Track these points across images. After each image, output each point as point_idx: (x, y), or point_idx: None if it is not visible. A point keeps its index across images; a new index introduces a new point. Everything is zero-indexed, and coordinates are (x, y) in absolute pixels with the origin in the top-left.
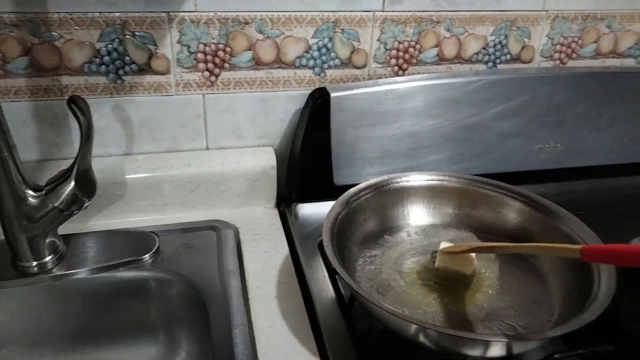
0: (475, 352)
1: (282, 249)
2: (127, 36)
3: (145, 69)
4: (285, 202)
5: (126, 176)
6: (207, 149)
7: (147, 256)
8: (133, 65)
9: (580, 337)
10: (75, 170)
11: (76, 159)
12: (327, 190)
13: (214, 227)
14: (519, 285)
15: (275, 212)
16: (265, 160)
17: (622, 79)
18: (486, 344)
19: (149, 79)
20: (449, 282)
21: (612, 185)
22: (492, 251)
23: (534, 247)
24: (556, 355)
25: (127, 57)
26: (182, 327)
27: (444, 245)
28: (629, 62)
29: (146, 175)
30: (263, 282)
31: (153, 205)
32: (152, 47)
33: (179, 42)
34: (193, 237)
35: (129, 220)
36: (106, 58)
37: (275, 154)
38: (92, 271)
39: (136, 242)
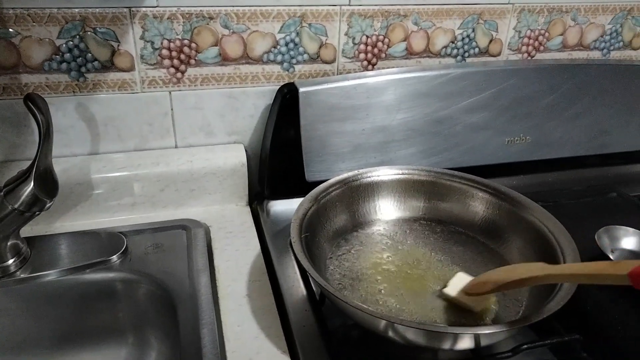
0: (445, 345)
1: (254, 246)
2: (88, 32)
3: (108, 66)
4: (258, 199)
5: (92, 176)
6: (176, 147)
7: (115, 257)
8: (95, 63)
9: (550, 328)
10: (34, 170)
11: (35, 158)
12: (299, 186)
13: (184, 226)
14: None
15: (248, 209)
16: (236, 157)
17: (588, 72)
18: (454, 337)
19: (112, 76)
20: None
21: (580, 177)
22: (525, 284)
23: (573, 276)
24: (524, 346)
25: (89, 54)
26: (151, 328)
27: (461, 279)
28: (595, 55)
29: (113, 174)
30: (233, 281)
31: (121, 205)
32: (114, 44)
33: (142, 38)
34: (163, 237)
35: (97, 221)
36: (67, 55)
37: (247, 150)
38: (58, 274)
39: (104, 243)
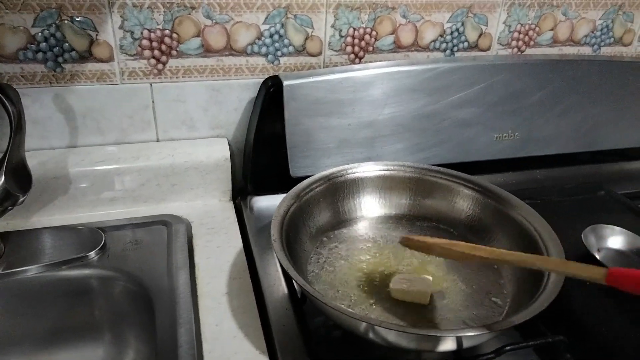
0: (426, 347)
1: (236, 243)
2: (65, 21)
3: (86, 56)
4: (242, 195)
5: (70, 170)
6: (158, 140)
7: (92, 253)
8: (73, 53)
9: (534, 328)
10: (5, 163)
11: (6, 151)
12: (284, 182)
13: (164, 222)
14: (472, 277)
15: (231, 205)
16: (219, 151)
17: (579, 67)
18: (435, 339)
19: (90, 66)
20: None
21: (570, 174)
22: (473, 259)
23: (537, 260)
24: (507, 347)
25: (66, 44)
26: (129, 326)
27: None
28: (586, 50)
29: (92, 168)
30: (213, 278)
31: (100, 200)
32: (92, 33)
33: (121, 27)
34: (142, 233)
35: (75, 216)
36: (43, 44)
37: (231, 145)
38: (34, 270)
39: (81, 239)
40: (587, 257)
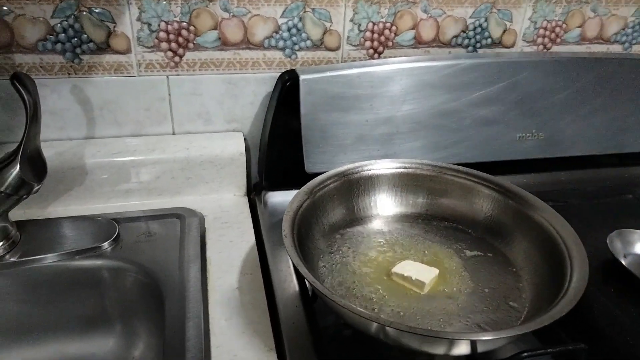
0: (439, 350)
1: (249, 238)
2: (84, 12)
3: (104, 47)
4: (257, 190)
5: (86, 161)
6: (174, 133)
7: (106, 244)
8: (91, 44)
9: (554, 335)
10: (21, 152)
11: (22, 141)
12: (299, 178)
13: (178, 215)
14: (490, 280)
15: (245, 200)
16: (234, 145)
17: (607, 66)
18: (449, 342)
19: (108, 58)
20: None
21: (595, 177)
22: None
23: None
24: (524, 354)
25: (84, 35)
26: (139, 318)
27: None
28: (616, 48)
29: (108, 160)
30: (225, 273)
31: (115, 191)
32: (110, 25)
33: (138, 19)
34: (156, 225)
35: (91, 207)
36: (62, 35)
37: (246, 139)
38: (47, 259)
39: (95, 229)
40: (612, 263)
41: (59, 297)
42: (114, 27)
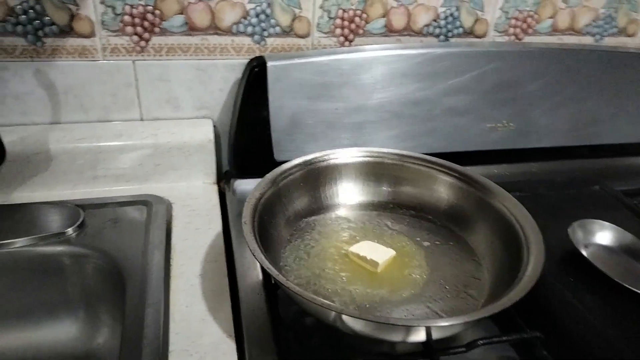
0: (395, 337)
1: (216, 226)
2: None
3: (67, 30)
4: (227, 177)
5: (51, 146)
6: (142, 119)
7: (70, 230)
8: (53, 27)
9: (512, 323)
10: None
11: None
12: (268, 165)
13: (145, 201)
14: (451, 268)
15: (214, 188)
16: (203, 132)
17: (578, 57)
18: (406, 329)
19: (72, 42)
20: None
21: (565, 168)
22: None
23: None
24: (480, 341)
25: (46, 18)
26: (102, 305)
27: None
28: (587, 40)
29: (73, 145)
30: (189, 260)
31: (82, 178)
32: (72, 7)
33: (102, 2)
34: (122, 212)
35: (57, 193)
36: (22, 17)
37: (216, 127)
38: (10, 245)
39: (60, 215)
40: (573, 253)
41: (22, 284)
42: (77, 9)
